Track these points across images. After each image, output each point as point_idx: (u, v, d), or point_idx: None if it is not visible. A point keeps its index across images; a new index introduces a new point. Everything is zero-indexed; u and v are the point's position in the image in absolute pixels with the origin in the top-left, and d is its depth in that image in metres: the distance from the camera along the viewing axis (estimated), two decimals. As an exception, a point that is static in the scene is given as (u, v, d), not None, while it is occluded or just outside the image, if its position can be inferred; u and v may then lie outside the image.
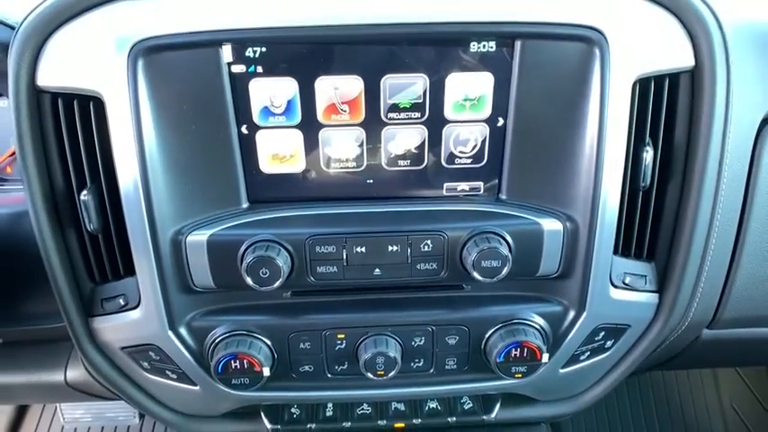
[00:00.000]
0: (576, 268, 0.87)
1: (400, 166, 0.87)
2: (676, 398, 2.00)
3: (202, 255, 0.83)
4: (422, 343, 0.92)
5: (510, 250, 0.83)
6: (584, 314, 0.91)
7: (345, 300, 0.92)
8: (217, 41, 0.77)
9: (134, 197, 0.79)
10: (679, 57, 0.81)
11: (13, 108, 0.78)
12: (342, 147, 0.85)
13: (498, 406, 1.08)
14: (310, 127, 0.83)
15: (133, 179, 0.79)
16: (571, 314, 0.92)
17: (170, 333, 0.88)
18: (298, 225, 0.85)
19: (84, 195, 0.81)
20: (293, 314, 0.91)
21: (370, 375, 0.91)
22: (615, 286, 0.90)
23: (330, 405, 1.08)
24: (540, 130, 0.83)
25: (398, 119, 0.83)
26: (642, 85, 0.81)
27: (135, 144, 0.78)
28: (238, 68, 0.79)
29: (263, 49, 0.78)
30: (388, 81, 0.81)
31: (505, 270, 0.83)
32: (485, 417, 1.08)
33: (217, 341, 0.89)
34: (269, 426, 1.07)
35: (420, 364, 0.94)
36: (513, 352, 0.90)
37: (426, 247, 0.85)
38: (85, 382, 1.06)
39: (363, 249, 0.84)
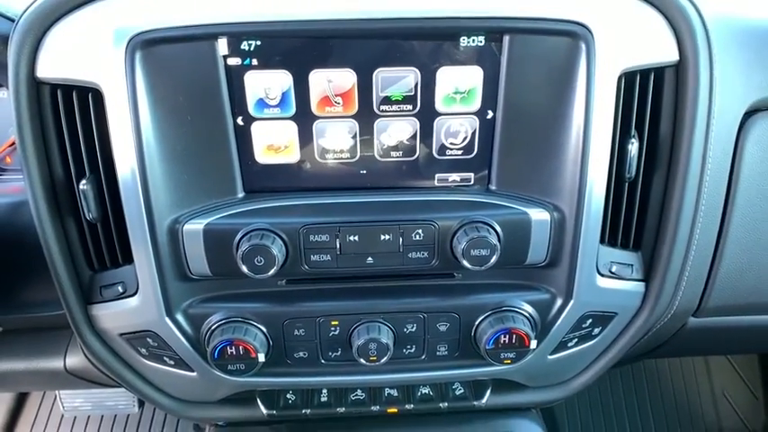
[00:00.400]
0: (564, 257, 0.89)
1: (393, 157, 0.89)
2: (669, 386, 2.03)
3: (199, 243, 0.85)
4: (413, 330, 0.94)
5: (499, 239, 0.85)
6: (572, 302, 0.93)
7: (339, 288, 0.94)
8: (213, 35, 0.78)
9: (132, 187, 0.81)
10: (663, 51, 0.83)
11: (13, 99, 0.80)
12: (335, 138, 0.87)
13: (489, 392, 1.10)
14: (305, 119, 0.85)
15: (131, 169, 0.80)
16: (559, 302, 0.94)
17: (167, 320, 0.90)
18: (292, 214, 0.87)
19: (83, 185, 0.83)
20: (288, 301, 0.93)
21: (362, 361, 0.93)
22: (602, 275, 0.92)
23: (324, 391, 1.10)
24: (529, 123, 0.85)
25: (391, 111, 0.85)
26: (628, 78, 0.83)
27: (133, 135, 0.79)
28: (234, 61, 0.81)
29: (258, 43, 0.80)
30: (381, 74, 0.82)
31: (494, 259, 0.85)
32: (476, 402, 1.10)
33: (213, 328, 0.91)
34: (265, 411, 1.09)
35: (412, 351, 0.97)
36: (502, 338, 0.92)
37: (418, 236, 0.87)
38: (84, 369, 1.07)
39: (356, 238, 0.86)
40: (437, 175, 0.91)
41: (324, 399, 1.09)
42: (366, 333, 0.92)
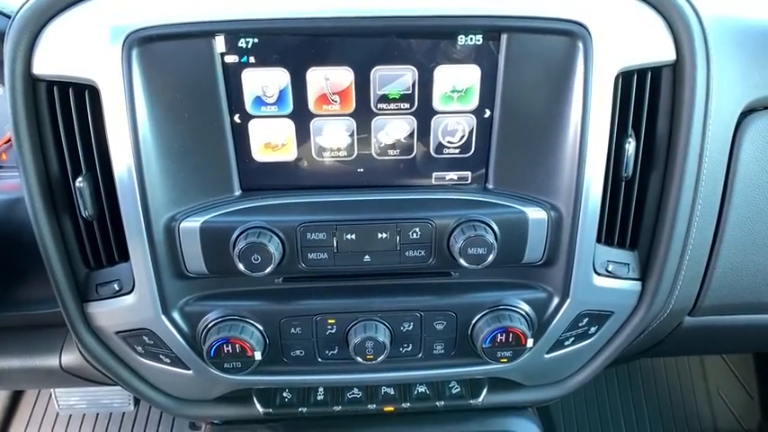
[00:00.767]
0: (560, 256, 0.90)
1: (390, 155, 0.89)
2: (664, 385, 2.03)
3: (195, 241, 0.85)
4: (410, 328, 0.94)
5: (496, 238, 0.85)
6: (568, 301, 0.93)
7: (336, 286, 0.94)
8: (210, 32, 0.78)
9: (128, 184, 0.81)
10: (660, 51, 0.83)
11: (9, 96, 0.79)
12: (333, 136, 0.87)
13: (485, 390, 1.10)
14: (302, 116, 0.85)
15: (127, 167, 0.80)
16: (555, 301, 0.94)
17: (163, 318, 0.90)
18: (289, 212, 0.86)
19: (80, 182, 0.82)
20: (284, 300, 0.93)
21: (359, 360, 0.93)
22: (598, 274, 0.93)
23: (321, 389, 1.09)
24: (526, 122, 0.85)
25: (388, 109, 0.85)
26: (625, 78, 0.83)
27: (129, 132, 0.79)
28: (231, 59, 0.80)
29: (256, 40, 0.80)
30: (378, 72, 0.82)
31: (491, 257, 0.85)
32: (472, 401, 1.10)
33: (209, 326, 0.91)
34: (261, 409, 1.09)
35: (408, 349, 0.97)
36: (499, 337, 0.92)
37: (415, 234, 0.87)
38: (80, 367, 1.07)
39: (353, 236, 0.86)
40: (434, 174, 0.91)
41: (320, 397, 1.09)
42: (363, 331, 0.92)
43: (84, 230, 0.89)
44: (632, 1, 0.82)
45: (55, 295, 0.90)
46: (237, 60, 0.81)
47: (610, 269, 0.93)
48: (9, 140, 1.01)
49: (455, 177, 0.91)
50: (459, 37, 0.81)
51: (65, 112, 0.82)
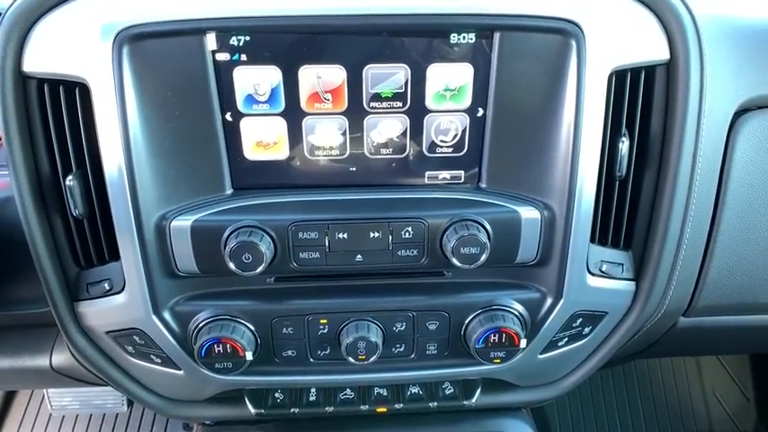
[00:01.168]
0: (554, 256, 0.89)
1: (383, 154, 0.88)
2: (660, 386, 2.03)
3: (186, 240, 0.84)
4: (403, 328, 0.94)
5: (488, 237, 0.85)
6: (562, 301, 0.92)
7: (328, 285, 0.93)
8: (201, 30, 0.78)
9: (119, 183, 0.80)
10: (654, 50, 0.83)
11: (-1, 94, 0.79)
12: (325, 135, 0.86)
13: (479, 391, 1.09)
14: (294, 115, 0.84)
15: (118, 165, 0.80)
16: (549, 301, 0.93)
17: (154, 317, 0.89)
18: (281, 211, 0.86)
19: (70, 181, 0.82)
20: (276, 299, 0.92)
21: (351, 360, 0.92)
22: (592, 274, 0.92)
23: (313, 390, 1.09)
24: (519, 121, 0.85)
25: (380, 108, 0.84)
26: (618, 76, 0.83)
27: (120, 130, 0.78)
28: (222, 56, 0.80)
29: (247, 38, 0.79)
30: (371, 71, 0.82)
31: (484, 257, 0.84)
32: (465, 402, 1.09)
33: (200, 325, 0.90)
34: (253, 410, 1.08)
35: (401, 350, 0.96)
36: (492, 337, 0.91)
37: (407, 233, 0.86)
38: (71, 367, 1.06)
39: (345, 236, 0.86)
40: (427, 173, 0.90)
41: (312, 398, 1.08)
42: (355, 331, 0.91)
43: (75, 229, 0.88)
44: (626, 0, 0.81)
45: (45, 295, 0.90)
46: (229, 58, 0.80)
47: (603, 269, 0.93)
48: (-1, 139, 1.01)
49: (448, 176, 0.91)
50: (452, 35, 0.80)
51: (55, 110, 0.81)
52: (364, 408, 1.08)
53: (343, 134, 0.86)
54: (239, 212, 0.85)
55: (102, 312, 0.91)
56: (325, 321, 0.93)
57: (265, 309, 0.92)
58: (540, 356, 1.01)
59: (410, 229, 0.86)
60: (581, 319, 0.97)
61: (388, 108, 0.84)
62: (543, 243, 0.88)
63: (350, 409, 1.09)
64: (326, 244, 0.86)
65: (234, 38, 0.79)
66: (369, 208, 0.87)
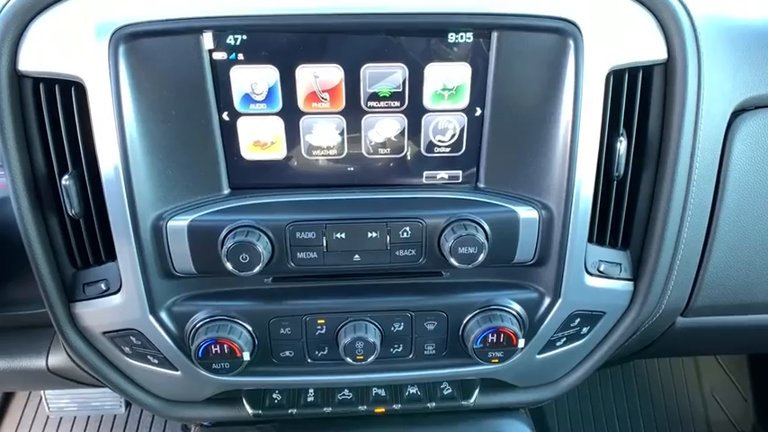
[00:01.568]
0: (552, 256, 0.89)
1: (380, 154, 0.88)
2: (658, 386, 2.03)
3: (183, 240, 0.84)
4: (401, 328, 0.94)
5: (486, 237, 0.85)
6: (560, 301, 0.92)
7: (325, 286, 0.93)
8: (198, 29, 0.78)
9: (115, 182, 0.80)
10: (652, 50, 0.83)
11: (-6, 93, 0.79)
12: (322, 134, 0.86)
13: (477, 392, 1.09)
14: (291, 114, 0.84)
15: (114, 164, 0.79)
16: (547, 301, 0.93)
17: (151, 318, 0.89)
18: (278, 211, 0.86)
19: (66, 180, 0.81)
20: (274, 300, 0.92)
21: (349, 360, 0.92)
22: (590, 274, 0.92)
23: (311, 391, 1.08)
24: (517, 120, 0.84)
25: (378, 107, 0.84)
26: (616, 76, 0.83)
27: (116, 130, 0.78)
28: (219, 56, 0.80)
29: (244, 37, 0.79)
30: (368, 70, 0.82)
31: (482, 257, 0.84)
32: (464, 402, 1.09)
33: (197, 326, 0.90)
34: (251, 411, 1.08)
35: (399, 350, 0.96)
36: (490, 337, 0.91)
37: (405, 233, 0.86)
38: (67, 368, 1.06)
39: (343, 236, 0.86)
40: (425, 173, 0.90)
41: (310, 399, 1.08)
42: (353, 332, 0.91)
43: (71, 229, 0.88)
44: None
45: (41, 295, 0.89)
46: (226, 57, 0.80)
47: (601, 269, 0.93)
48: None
49: (446, 176, 0.90)
50: (450, 35, 0.80)
51: (51, 110, 0.81)
52: (362, 408, 1.08)
53: (341, 134, 0.86)
54: (236, 212, 0.85)
55: (98, 313, 0.91)
56: (322, 322, 0.92)
57: (263, 309, 0.92)
58: (539, 356, 1.00)
59: (408, 228, 0.86)
60: (579, 319, 0.97)
61: (385, 108, 0.84)
62: (541, 243, 0.88)
63: (348, 410, 1.08)
64: (324, 244, 0.86)
65: (231, 37, 0.79)
66: (367, 208, 0.87)
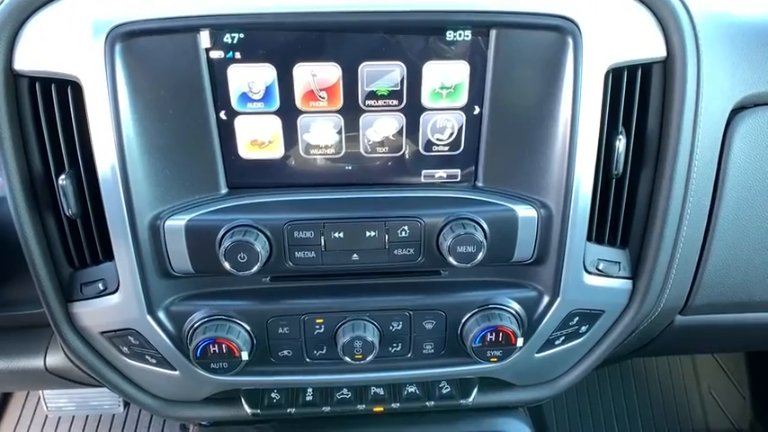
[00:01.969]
0: (550, 254, 0.89)
1: (378, 152, 0.88)
2: (656, 385, 2.03)
3: (181, 240, 0.84)
4: (399, 328, 0.93)
5: (485, 236, 0.85)
6: (559, 299, 0.92)
7: (324, 285, 0.93)
8: (194, 27, 0.77)
9: (112, 182, 0.80)
10: (651, 47, 0.82)
11: (-10, 92, 0.78)
12: (320, 133, 0.86)
13: (476, 390, 1.09)
14: (289, 113, 0.84)
15: (111, 164, 0.79)
16: (545, 299, 0.93)
17: (149, 318, 0.89)
18: (276, 211, 0.85)
19: (63, 180, 0.81)
20: (272, 299, 0.92)
21: (348, 360, 0.92)
22: (589, 272, 0.92)
23: (310, 390, 1.08)
24: (515, 119, 0.84)
25: (376, 106, 0.84)
26: (615, 74, 0.82)
27: (113, 129, 0.78)
28: (216, 54, 0.79)
29: (241, 36, 0.79)
30: (366, 69, 0.81)
31: (480, 255, 0.84)
32: (462, 401, 1.09)
33: (195, 326, 0.89)
34: (249, 410, 1.07)
35: (398, 349, 0.96)
36: (489, 336, 0.91)
37: (403, 232, 0.86)
38: (65, 368, 1.06)
39: (341, 235, 0.85)
40: (423, 172, 0.90)
41: (309, 398, 1.08)
42: (351, 331, 0.91)
43: (68, 229, 0.87)
44: (622, -3, 0.81)
45: (38, 295, 0.89)
46: (223, 56, 0.79)
47: (600, 267, 0.93)
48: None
49: (444, 175, 0.90)
50: (448, 33, 0.80)
51: (47, 109, 0.81)
52: (361, 407, 1.08)
53: (339, 132, 0.86)
54: (234, 212, 0.84)
55: (96, 313, 0.91)
56: (321, 321, 0.92)
57: (261, 309, 0.91)
58: (537, 355, 1.00)
59: (406, 228, 0.86)
60: (578, 318, 0.97)
61: (383, 106, 0.84)
62: (540, 241, 0.88)
63: (347, 409, 1.08)
64: (322, 243, 0.85)
65: (228, 35, 0.78)
66: (365, 207, 0.86)
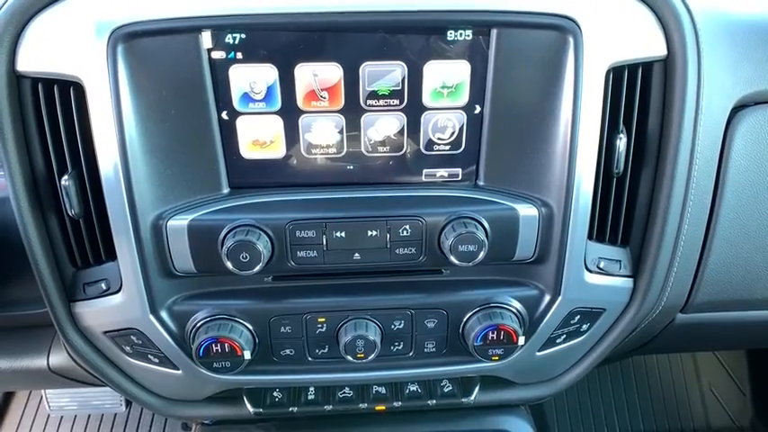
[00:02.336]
0: (552, 253, 0.89)
1: (380, 152, 0.88)
2: (657, 382, 2.04)
3: (183, 239, 0.84)
4: (401, 326, 0.94)
5: (486, 235, 0.85)
6: (560, 298, 0.92)
7: (326, 284, 0.93)
8: (196, 28, 0.77)
9: (115, 182, 0.80)
10: (651, 46, 0.83)
11: (-7, 93, 0.78)
12: (322, 133, 0.86)
13: (477, 389, 1.09)
14: (290, 113, 0.84)
15: (114, 164, 0.79)
16: (547, 298, 0.93)
17: (151, 317, 0.89)
18: (278, 210, 0.86)
19: (65, 180, 0.81)
20: (274, 298, 0.92)
21: (350, 358, 0.92)
22: (590, 271, 0.92)
23: (312, 389, 1.09)
24: (516, 118, 0.84)
25: (377, 106, 0.84)
26: (616, 73, 0.83)
27: (115, 129, 0.78)
28: (218, 55, 0.80)
29: (243, 36, 0.79)
30: (367, 68, 0.81)
31: (482, 254, 0.84)
32: (464, 399, 1.09)
33: (198, 325, 0.90)
34: (251, 409, 1.08)
35: (400, 348, 0.96)
36: (490, 335, 0.91)
37: (405, 231, 0.86)
38: (68, 368, 1.06)
39: (343, 234, 0.86)
40: (425, 171, 0.90)
41: (311, 397, 1.08)
42: (353, 330, 0.91)
43: (71, 229, 0.88)
44: (623, -4, 0.82)
45: (41, 295, 0.89)
46: (225, 56, 0.80)
47: (601, 266, 0.93)
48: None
49: (445, 174, 0.90)
50: (449, 32, 0.80)
51: (50, 110, 0.81)
52: (363, 406, 1.08)
53: (340, 132, 0.86)
54: (236, 211, 0.85)
55: (98, 312, 0.91)
56: (323, 320, 0.93)
57: (263, 308, 0.92)
58: (539, 353, 1.01)
59: (408, 227, 0.86)
60: (579, 316, 0.97)
61: (385, 106, 0.84)
62: (541, 240, 0.88)
63: (349, 408, 1.09)
64: (324, 242, 0.86)
65: (229, 36, 0.79)
66: (366, 206, 0.87)
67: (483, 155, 0.88)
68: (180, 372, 0.97)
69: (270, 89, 0.82)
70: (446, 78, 0.83)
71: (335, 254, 0.87)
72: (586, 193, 0.85)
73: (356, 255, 0.87)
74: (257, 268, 0.83)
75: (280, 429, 1.14)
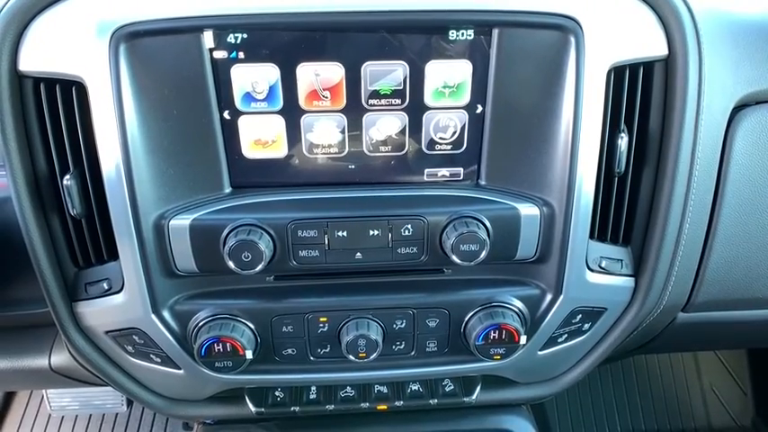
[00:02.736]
0: (553, 252, 0.89)
1: (381, 152, 0.88)
2: (658, 382, 2.04)
3: (185, 239, 0.84)
4: (403, 326, 0.94)
5: (488, 234, 0.85)
6: (561, 297, 0.92)
7: (327, 284, 0.93)
8: (198, 27, 0.77)
9: (117, 182, 0.80)
10: (653, 46, 0.83)
11: (-5, 93, 0.78)
12: (323, 133, 0.86)
13: (479, 388, 1.10)
14: (292, 113, 0.84)
15: (116, 164, 0.79)
16: (548, 297, 0.93)
17: (153, 317, 0.89)
18: (280, 210, 0.86)
19: (67, 180, 0.81)
20: (276, 298, 0.92)
21: (351, 358, 0.92)
22: (591, 270, 0.92)
23: (313, 388, 1.09)
24: (518, 117, 0.84)
25: (379, 105, 0.84)
26: (617, 73, 0.83)
27: (117, 129, 0.78)
28: (220, 54, 0.80)
29: (245, 36, 0.79)
30: (369, 68, 0.82)
31: (484, 254, 0.84)
32: (465, 399, 1.09)
33: (200, 325, 0.90)
34: (253, 409, 1.08)
35: (401, 347, 0.96)
36: (492, 334, 0.91)
37: (407, 231, 0.86)
38: (70, 367, 1.06)
39: (345, 234, 0.86)
40: (426, 170, 0.90)
41: (313, 396, 1.08)
42: (355, 329, 0.91)
43: (73, 229, 0.88)
44: (624, -5, 0.82)
45: (43, 295, 0.89)
46: (226, 56, 0.80)
47: (603, 265, 0.93)
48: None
49: (447, 174, 0.90)
50: (451, 32, 0.80)
51: (51, 110, 0.81)
52: (365, 405, 1.08)
53: (342, 132, 0.86)
54: (238, 211, 0.85)
55: (100, 312, 0.91)
56: (325, 319, 0.93)
57: (265, 307, 0.92)
58: (540, 353, 1.01)
59: (410, 226, 0.86)
60: (580, 316, 0.97)
61: (386, 105, 0.84)
62: (542, 240, 0.88)
63: (350, 407, 1.09)
64: (326, 242, 0.86)
65: (231, 35, 0.79)
66: (368, 206, 0.87)
67: (484, 154, 0.88)
68: (182, 371, 0.97)
69: (272, 89, 0.82)
70: (448, 78, 0.83)
71: (337, 253, 0.87)
72: (588, 193, 0.85)
73: (358, 254, 0.87)
74: (259, 268, 0.83)
75: (281, 429, 1.14)
